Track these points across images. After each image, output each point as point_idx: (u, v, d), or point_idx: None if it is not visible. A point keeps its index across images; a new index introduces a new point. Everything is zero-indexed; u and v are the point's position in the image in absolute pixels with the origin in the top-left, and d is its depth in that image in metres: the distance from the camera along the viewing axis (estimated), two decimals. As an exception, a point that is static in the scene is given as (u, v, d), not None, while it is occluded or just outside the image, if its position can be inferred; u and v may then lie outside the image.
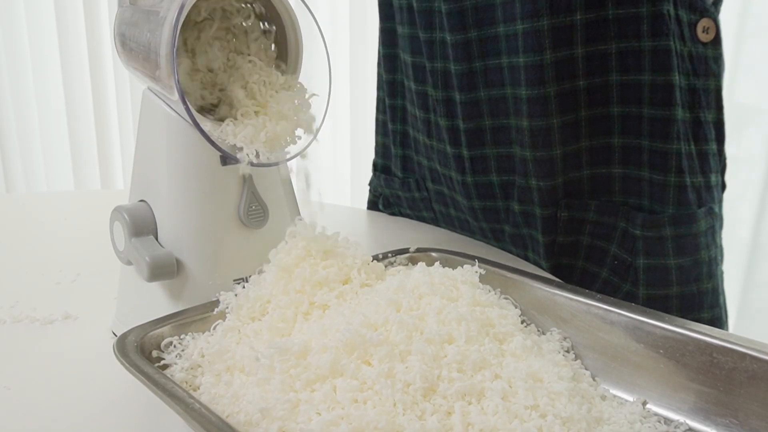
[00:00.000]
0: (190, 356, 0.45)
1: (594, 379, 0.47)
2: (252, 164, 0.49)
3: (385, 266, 0.54)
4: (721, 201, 0.72)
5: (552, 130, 0.68)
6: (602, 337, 0.47)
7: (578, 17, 0.65)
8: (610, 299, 0.48)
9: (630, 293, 0.70)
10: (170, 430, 0.44)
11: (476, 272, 0.52)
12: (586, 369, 0.48)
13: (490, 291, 0.52)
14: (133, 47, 0.51)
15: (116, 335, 0.55)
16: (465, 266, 0.52)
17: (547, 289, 0.51)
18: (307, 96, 0.52)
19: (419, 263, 0.53)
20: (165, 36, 0.46)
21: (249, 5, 0.54)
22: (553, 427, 0.38)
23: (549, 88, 0.67)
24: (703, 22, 0.67)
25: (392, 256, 0.57)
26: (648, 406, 0.45)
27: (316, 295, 0.48)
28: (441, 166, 0.79)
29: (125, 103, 1.94)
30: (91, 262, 0.74)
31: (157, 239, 0.52)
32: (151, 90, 0.52)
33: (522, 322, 0.50)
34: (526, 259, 0.76)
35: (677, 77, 0.65)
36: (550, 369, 0.43)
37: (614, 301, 0.48)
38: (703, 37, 0.67)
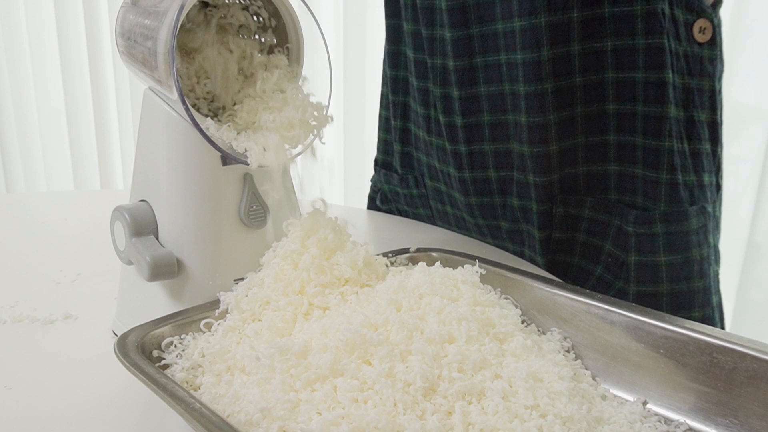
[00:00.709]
0: (190, 356, 0.45)
1: (594, 379, 0.47)
2: (261, 166, 0.49)
3: (386, 266, 0.54)
4: (716, 202, 0.72)
5: (548, 126, 0.68)
6: (602, 337, 0.47)
7: (575, 15, 0.65)
8: (610, 299, 0.48)
9: (621, 290, 0.71)
10: (171, 430, 0.44)
11: (477, 272, 0.52)
12: (587, 369, 0.48)
13: (490, 291, 0.52)
14: (133, 47, 0.51)
15: (117, 335, 0.55)
16: (465, 266, 0.52)
17: (548, 289, 0.51)
18: (309, 98, 0.52)
19: (420, 263, 0.53)
20: (164, 35, 0.46)
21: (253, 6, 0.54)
22: (553, 426, 0.38)
23: (546, 85, 0.67)
24: (700, 23, 0.67)
25: (392, 256, 0.57)
26: (648, 406, 0.45)
27: (316, 297, 0.47)
28: (439, 163, 0.80)
29: (125, 103, 1.94)
30: (92, 262, 0.74)
31: (157, 239, 0.52)
32: (152, 90, 0.52)
33: (522, 322, 0.50)
34: (522, 255, 0.77)
35: (671, 75, 0.66)
36: (550, 369, 0.43)
37: (615, 301, 0.48)
38: (700, 38, 0.67)
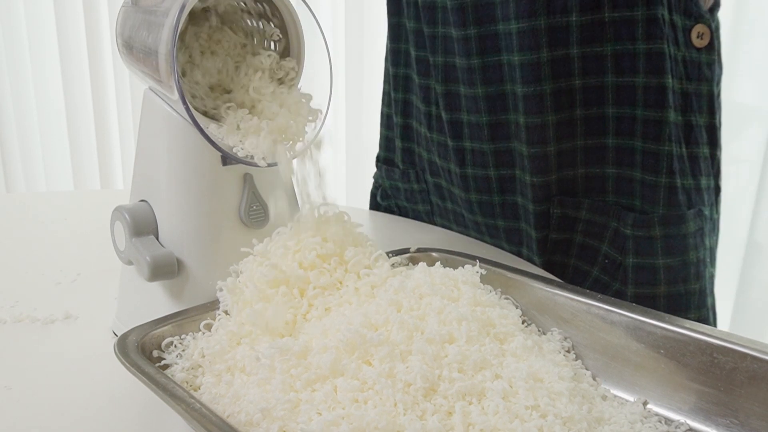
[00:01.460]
0: (190, 356, 0.45)
1: (594, 379, 0.47)
2: (269, 165, 0.49)
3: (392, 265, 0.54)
4: (713, 204, 0.73)
5: (547, 126, 0.69)
6: (603, 337, 0.47)
7: (574, 18, 0.66)
8: (610, 299, 0.48)
9: (619, 292, 0.71)
10: (171, 430, 0.44)
11: (477, 272, 0.52)
12: (587, 369, 0.48)
13: (490, 291, 0.52)
14: (134, 47, 0.51)
15: (117, 335, 0.55)
16: (466, 266, 0.52)
17: (548, 289, 0.51)
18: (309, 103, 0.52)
19: (420, 263, 0.53)
20: (165, 35, 0.46)
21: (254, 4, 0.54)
22: (553, 427, 0.38)
23: (545, 86, 0.68)
24: (698, 28, 0.68)
25: (392, 256, 0.57)
26: (649, 406, 0.45)
27: (317, 298, 0.47)
28: (440, 159, 0.80)
29: (125, 103, 1.94)
30: (92, 262, 0.74)
31: (157, 239, 0.52)
32: (152, 90, 0.52)
33: (523, 322, 0.50)
34: (519, 255, 0.77)
35: (670, 80, 0.66)
36: (550, 369, 0.43)
37: (615, 302, 0.48)
38: (698, 43, 0.68)
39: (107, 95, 1.94)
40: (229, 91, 0.53)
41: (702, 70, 0.69)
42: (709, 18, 0.68)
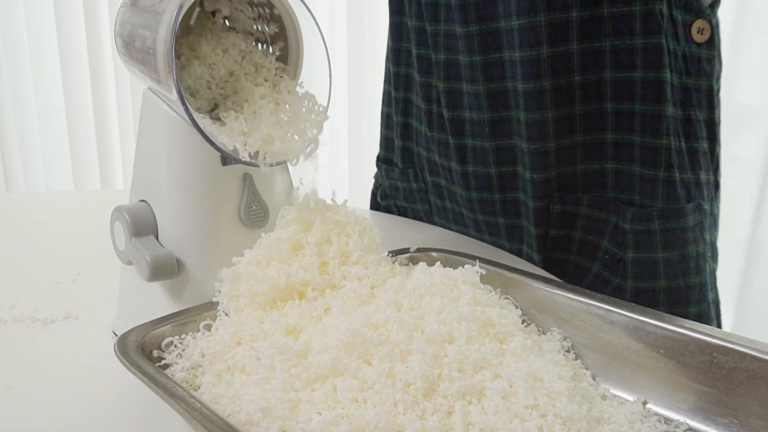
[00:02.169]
0: (190, 356, 0.45)
1: (594, 379, 0.47)
2: (271, 165, 0.49)
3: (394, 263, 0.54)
4: (713, 199, 0.73)
5: (547, 123, 0.69)
6: (603, 337, 0.48)
7: (574, 14, 0.66)
8: (610, 299, 0.48)
9: (619, 287, 0.71)
10: (171, 430, 0.44)
11: (477, 272, 0.52)
12: (587, 369, 0.48)
13: (490, 291, 0.52)
14: (133, 47, 0.51)
15: (117, 335, 0.55)
16: (466, 266, 0.52)
17: (548, 289, 0.51)
18: (308, 104, 0.52)
19: (420, 263, 0.53)
20: (162, 35, 0.46)
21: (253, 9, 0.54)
22: (553, 426, 0.38)
23: (545, 82, 0.68)
24: (698, 23, 0.68)
25: (392, 256, 0.57)
26: (648, 405, 0.45)
27: (317, 300, 0.47)
28: (440, 158, 0.80)
29: (125, 103, 1.94)
30: (92, 262, 0.74)
31: (157, 239, 0.52)
32: (151, 90, 0.52)
33: (522, 322, 0.50)
34: (520, 252, 0.77)
35: (668, 75, 0.67)
36: (550, 369, 0.43)
37: (615, 301, 0.48)
38: (698, 38, 0.68)
39: (107, 95, 1.94)
40: (223, 90, 0.53)
41: (702, 65, 0.69)
42: (709, 13, 0.69)
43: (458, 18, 0.72)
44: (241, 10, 0.54)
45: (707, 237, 0.71)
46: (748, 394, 0.40)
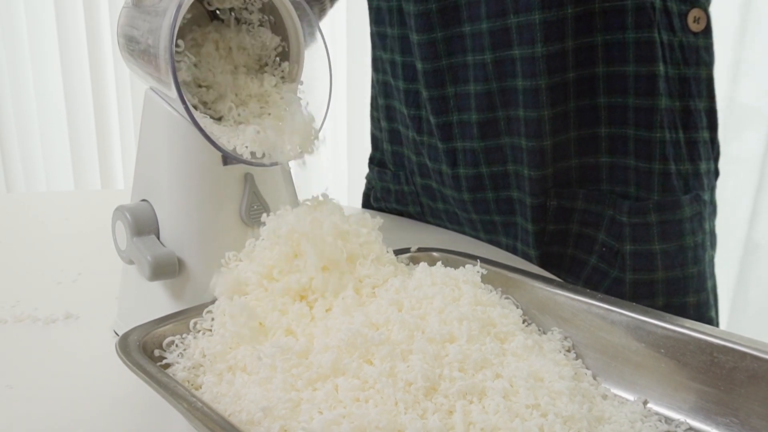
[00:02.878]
0: (192, 355, 0.45)
1: (595, 379, 0.47)
2: (270, 165, 0.49)
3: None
4: (713, 188, 0.74)
5: (543, 121, 0.69)
6: (603, 337, 0.48)
7: (569, 11, 0.66)
8: (611, 299, 0.48)
9: (617, 279, 0.72)
10: (172, 429, 0.44)
11: (478, 272, 0.52)
12: (587, 368, 0.48)
13: (491, 291, 0.52)
14: (134, 47, 0.51)
15: (118, 334, 0.55)
16: (467, 266, 0.52)
17: (548, 288, 0.51)
18: (305, 105, 0.52)
19: (421, 263, 0.53)
20: (164, 34, 0.46)
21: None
22: (554, 426, 0.38)
23: (541, 81, 0.68)
24: (694, 12, 0.69)
25: (393, 256, 0.57)
26: (649, 405, 0.45)
27: (317, 302, 0.47)
28: (431, 161, 0.80)
29: (125, 103, 1.94)
30: (92, 262, 0.74)
31: (158, 239, 0.52)
32: (153, 90, 0.52)
33: (523, 322, 0.50)
34: (515, 248, 0.77)
35: (661, 68, 0.67)
36: (551, 368, 0.43)
37: (615, 301, 0.48)
38: (694, 27, 0.69)
39: (108, 95, 1.94)
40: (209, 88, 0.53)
41: (700, 54, 0.69)
42: (704, 2, 0.69)
43: (447, 21, 0.72)
44: (244, 8, 0.54)
45: (706, 226, 0.72)
46: (749, 394, 0.40)
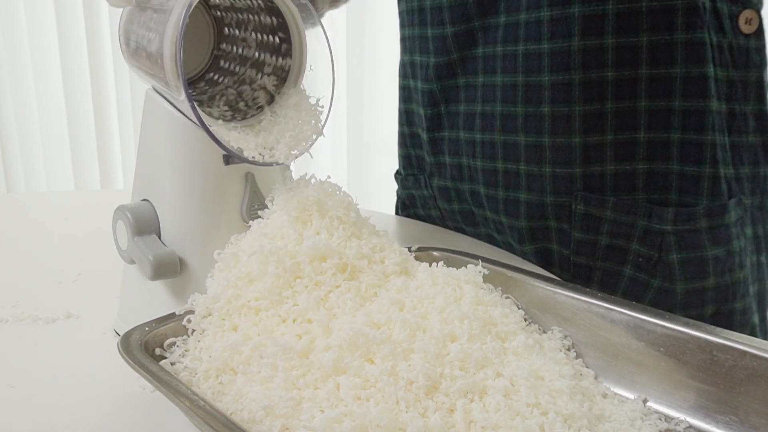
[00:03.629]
0: (193, 354, 0.45)
1: (595, 378, 0.47)
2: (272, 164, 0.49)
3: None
4: (764, 192, 0.72)
5: (573, 117, 0.68)
6: (603, 336, 0.48)
7: (610, 7, 0.65)
8: (611, 298, 0.48)
9: (663, 289, 0.69)
10: (174, 428, 0.44)
11: (479, 272, 0.52)
12: (588, 367, 0.48)
13: (492, 290, 0.52)
14: (137, 47, 0.51)
15: (119, 334, 0.56)
16: (468, 266, 0.53)
17: (549, 287, 0.51)
18: (311, 101, 0.53)
19: (423, 263, 0.53)
20: (170, 35, 0.46)
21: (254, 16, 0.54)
22: (554, 424, 0.38)
23: (574, 75, 0.67)
24: (746, 14, 0.67)
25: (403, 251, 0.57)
26: (649, 403, 0.45)
27: (328, 302, 0.47)
28: (450, 157, 0.79)
29: (125, 103, 1.94)
30: (93, 262, 0.74)
31: (160, 238, 0.52)
32: (154, 89, 0.52)
33: (524, 321, 0.51)
34: (510, 246, 0.76)
35: (712, 69, 0.66)
36: (551, 367, 0.44)
37: (615, 300, 0.48)
38: (746, 29, 0.67)
39: (108, 95, 1.95)
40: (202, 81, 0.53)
41: (751, 57, 0.68)
42: (757, 2, 0.68)
43: (475, 11, 0.71)
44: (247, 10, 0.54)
45: (748, 231, 0.71)
46: (748, 392, 0.41)
